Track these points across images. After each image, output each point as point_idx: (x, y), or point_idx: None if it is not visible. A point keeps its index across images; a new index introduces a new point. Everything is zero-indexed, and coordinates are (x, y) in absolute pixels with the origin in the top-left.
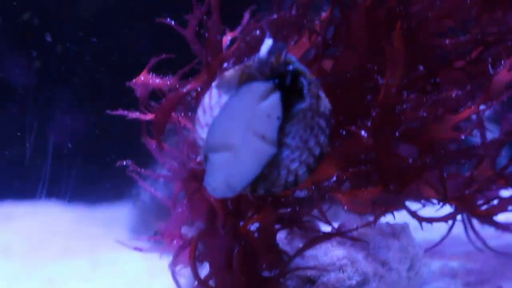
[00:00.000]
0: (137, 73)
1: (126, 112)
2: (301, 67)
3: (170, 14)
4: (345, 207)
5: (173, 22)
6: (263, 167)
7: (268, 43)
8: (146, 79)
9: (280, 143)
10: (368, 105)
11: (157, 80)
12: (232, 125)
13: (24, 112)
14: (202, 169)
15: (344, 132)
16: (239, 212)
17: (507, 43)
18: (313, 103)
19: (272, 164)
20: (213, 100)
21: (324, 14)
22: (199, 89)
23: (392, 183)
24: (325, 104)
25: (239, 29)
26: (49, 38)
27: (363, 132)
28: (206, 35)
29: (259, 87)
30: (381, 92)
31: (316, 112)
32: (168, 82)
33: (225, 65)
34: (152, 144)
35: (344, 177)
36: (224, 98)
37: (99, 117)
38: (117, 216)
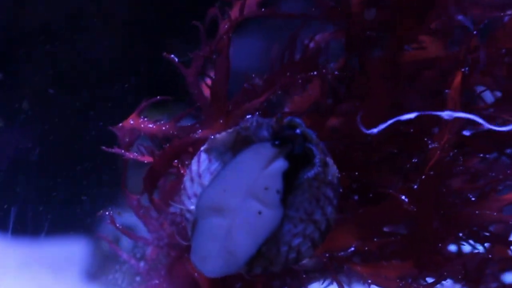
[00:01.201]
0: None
1: (122, 151)
2: (308, 131)
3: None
4: (368, 281)
5: (176, 59)
6: (261, 243)
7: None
8: (136, 123)
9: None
10: (399, 165)
11: (150, 125)
12: (229, 190)
13: None
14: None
15: (363, 197)
16: (225, 286)
17: None
18: (320, 171)
19: (271, 240)
20: (202, 167)
21: (333, 63)
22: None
23: (425, 260)
24: (333, 171)
25: None
26: None
27: (404, 197)
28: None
29: (264, 151)
30: (431, 155)
31: (323, 181)
32: (164, 128)
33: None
34: (132, 199)
35: (366, 249)
36: (215, 164)
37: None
38: (70, 253)
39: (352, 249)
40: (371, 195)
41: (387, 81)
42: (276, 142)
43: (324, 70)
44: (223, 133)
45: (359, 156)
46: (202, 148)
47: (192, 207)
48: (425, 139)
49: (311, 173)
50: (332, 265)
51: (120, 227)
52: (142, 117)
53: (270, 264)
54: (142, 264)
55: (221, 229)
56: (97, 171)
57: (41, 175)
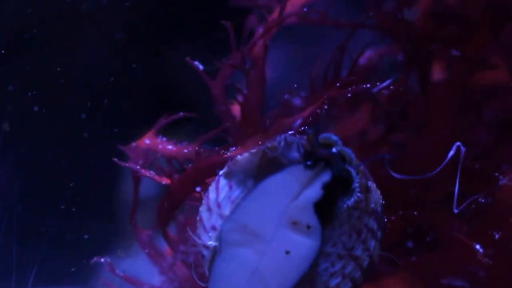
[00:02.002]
0: None
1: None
2: (346, 150)
3: None
4: None
5: (201, 67)
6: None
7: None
8: (153, 144)
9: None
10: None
11: (170, 146)
12: (253, 224)
13: None
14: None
15: (418, 243)
16: None
17: None
18: (361, 198)
19: (305, 281)
20: (221, 195)
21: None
22: None
23: None
24: (376, 198)
25: None
26: None
27: (478, 247)
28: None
29: (295, 176)
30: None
31: (365, 210)
32: (186, 150)
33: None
34: (143, 233)
35: None
36: (237, 191)
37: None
38: None
39: None
40: (428, 239)
41: (452, 107)
42: (308, 163)
43: (376, 91)
44: (246, 154)
45: (415, 194)
46: (220, 173)
47: (210, 243)
48: (496, 174)
49: (350, 201)
50: None
51: (121, 274)
52: (159, 136)
53: None
54: None
55: (244, 271)
56: (92, 203)
57: (24, 211)
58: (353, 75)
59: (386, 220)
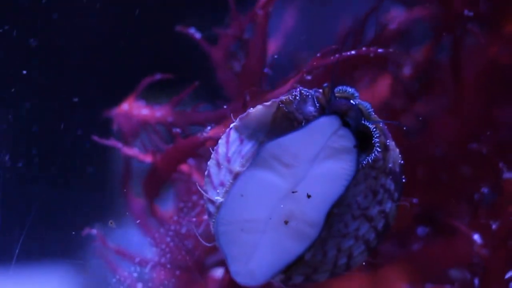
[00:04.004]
0: None
1: (121, 145)
2: (364, 103)
3: None
4: None
5: (198, 35)
6: (307, 246)
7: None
8: (130, 109)
9: (328, 214)
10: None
11: (144, 110)
12: (267, 181)
13: None
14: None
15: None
16: None
17: None
18: (379, 157)
19: (316, 243)
20: (231, 149)
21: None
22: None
23: None
24: (395, 157)
25: None
26: None
27: (477, 237)
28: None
29: (328, 124)
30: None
31: (383, 170)
32: (159, 113)
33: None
34: (136, 203)
35: None
36: (248, 145)
37: None
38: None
39: None
40: (433, 225)
41: (483, 86)
42: (326, 115)
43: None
44: (259, 107)
45: (426, 173)
46: (231, 126)
47: (217, 198)
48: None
49: (368, 160)
50: None
51: (113, 245)
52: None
53: (313, 272)
54: (140, 286)
55: (253, 234)
56: (83, 171)
57: (10, 182)
58: (379, 41)
59: (404, 180)
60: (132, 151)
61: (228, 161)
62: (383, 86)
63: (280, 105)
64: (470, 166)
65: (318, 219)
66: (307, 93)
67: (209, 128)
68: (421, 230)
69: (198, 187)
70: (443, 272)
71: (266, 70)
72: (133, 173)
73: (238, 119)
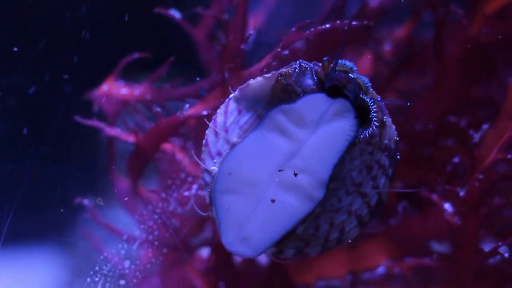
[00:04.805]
0: None
1: (103, 126)
2: (363, 78)
3: None
4: None
5: (178, 15)
6: (301, 219)
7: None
8: (109, 88)
9: (331, 176)
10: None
11: (123, 90)
12: (265, 152)
13: None
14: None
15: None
16: None
17: None
18: (375, 133)
19: (310, 217)
20: (229, 119)
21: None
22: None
23: None
24: (391, 134)
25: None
26: None
27: (447, 206)
28: (224, 39)
29: (323, 100)
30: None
31: (378, 146)
32: (137, 92)
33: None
34: (122, 182)
35: (396, 270)
36: (246, 116)
37: None
38: (34, 265)
39: (381, 269)
40: (412, 200)
41: (465, 62)
42: (327, 87)
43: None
44: (259, 79)
45: (407, 149)
46: (231, 96)
47: (213, 168)
48: (470, 132)
49: (364, 135)
50: None
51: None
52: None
53: (305, 245)
54: (127, 263)
55: (250, 201)
56: (72, 148)
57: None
58: (360, 18)
59: (398, 157)
60: (115, 131)
61: (226, 131)
62: (365, 62)
63: (279, 78)
64: (450, 140)
65: (323, 178)
66: (306, 66)
67: (187, 106)
68: (402, 206)
69: (194, 156)
70: (422, 245)
71: (246, 47)
72: (120, 153)
73: (238, 89)
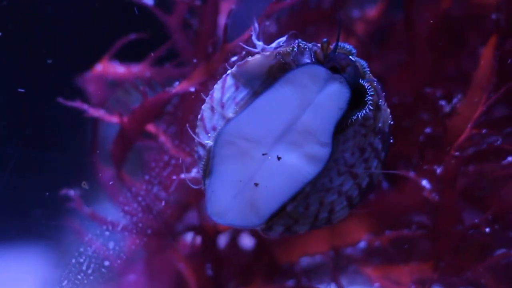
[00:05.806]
0: None
1: (86, 107)
2: (361, 61)
3: None
4: (376, 285)
5: (150, 2)
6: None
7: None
8: (105, 69)
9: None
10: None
11: (120, 69)
12: (262, 125)
13: None
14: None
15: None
16: (219, 283)
17: None
18: (370, 116)
19: (300, 194)
20: (226, 94)
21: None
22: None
23: (447, 260)
24: (385, 117)
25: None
26: None
27: (425, 182)
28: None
29: (320, 72)
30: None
31: (372, 129)
32: (136, 70)
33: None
34: (105, 171)
35: (377, 243)
36: (243, 92)
37: None
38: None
39: (362, 243)
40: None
41: (437, 36)
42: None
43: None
44: (257, 56)
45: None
46: (228, 72)
47: (207, 142)
48: (440, 103)
49: (358, 117)
50: (337, 264)
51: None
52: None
53: (294, 223)
54: (111, 245)
55: (244, 174)
56: (58, 133)
57: None
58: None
59: (391, 141)
60: (99, 113)
61: (222, 106)
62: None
63: (277, 56)
64: (424, 112)
65: (327, 138)
66: (305, 46)
67: (177, 83)
68: (384, 184)
69: (189, 130)
70: (401, 219)
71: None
72: (106, 139)
73: (235, 65)
